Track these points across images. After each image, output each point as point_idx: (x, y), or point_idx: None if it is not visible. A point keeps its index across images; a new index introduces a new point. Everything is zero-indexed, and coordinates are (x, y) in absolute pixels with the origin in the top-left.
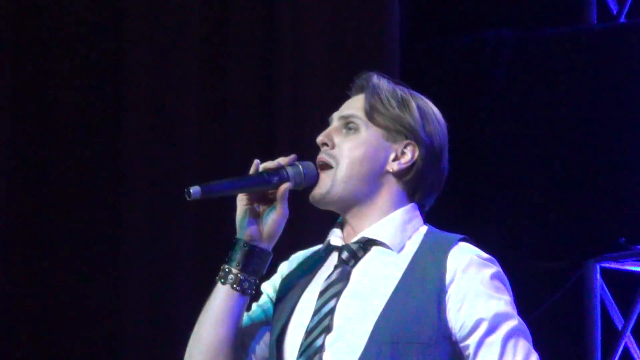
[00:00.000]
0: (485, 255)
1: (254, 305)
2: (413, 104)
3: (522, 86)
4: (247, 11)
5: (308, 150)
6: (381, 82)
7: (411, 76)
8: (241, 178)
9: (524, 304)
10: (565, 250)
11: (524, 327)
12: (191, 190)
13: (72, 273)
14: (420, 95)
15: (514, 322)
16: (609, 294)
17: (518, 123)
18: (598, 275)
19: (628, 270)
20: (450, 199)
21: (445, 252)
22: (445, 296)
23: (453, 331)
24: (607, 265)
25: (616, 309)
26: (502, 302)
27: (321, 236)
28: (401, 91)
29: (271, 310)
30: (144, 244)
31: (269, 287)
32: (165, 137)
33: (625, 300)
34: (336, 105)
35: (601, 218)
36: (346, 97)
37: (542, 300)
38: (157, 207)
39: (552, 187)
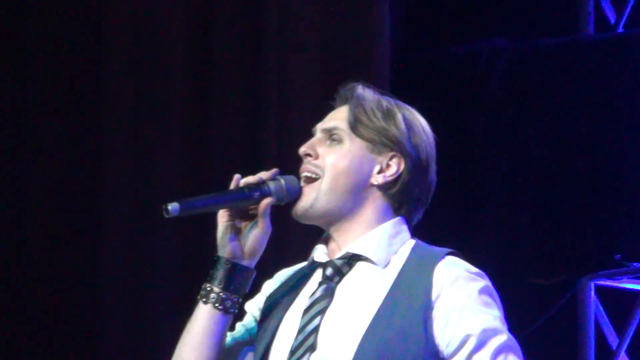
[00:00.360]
0: (473, 269)
1: (238, 325)
2: (399, 115)
3: (517, 97)
4: (233, 22)
5: (295, 164)
6: (366, 93)
7: (403, 87)
8: (221, 194)
9: (517, 321)
10: (560, 267)
11: (514, 342)
12: (169, 207)
13: (51, 281)
14: (406, 106)
15: (503, 337)
16: (603, 312)
17: (513, 135)
18: (592, 293)
19: (623, 288)
20: (443, 214)
21: (432, 267)
22: (431, 312)
23: (440, 348)
24: (601, 282)
25: (611, 327)
26: (490, 316)
27: (306, 252)
28: (387, 102)
29: (255, 330)
30: (124, 255)
31: (254, 307)
32: (148, 147)
33: (620, 319)
34: (322, 118)
35: (596, 234)
36: (331, 108)
37: (535, 317)
38: (138, 217)
39: (547, 202)
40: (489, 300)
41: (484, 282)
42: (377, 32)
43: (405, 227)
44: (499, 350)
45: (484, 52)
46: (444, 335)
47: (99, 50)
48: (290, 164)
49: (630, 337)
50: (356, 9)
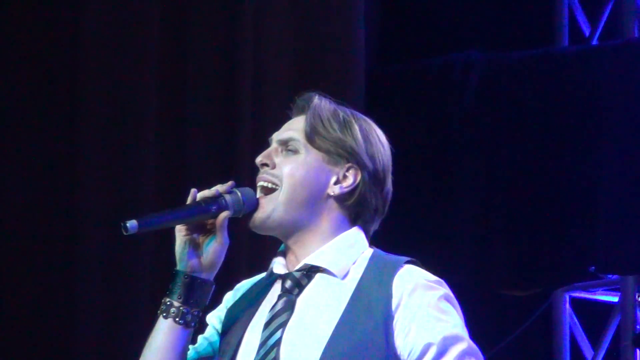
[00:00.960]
0: (432, 277)
1: (200, 338)
2: (355, 126)
3: (491, 109)
4: (208, 31)
5: None
6: (323, 103)
7: (378, 99)
8: (179, 209)
9: (492, 333)
10: (534, 279)
11: (475, 349)
12: (128, 225)
13: (26, 288)
14: (363, 117)
15: (464, 344)
16: (578, 324)
17: (487, 146)
18: (567, 305)
19: (598, 299)
20: (418, 225)
21: (391, 276)
22: (392, 322)
23: (402, 358)
24: (576, 294)
25: (585, 339)
26: (450, 324)
27: (264, 263)
28: (343, 112)
29: (217, 343)
30: (99, 262)
31: (215, 319)
32: (123, 156)
33: (595, 331)
34: (281, 127)
35: (571, 246)
36: (288, 118)
37: (510, 329)
38: (113, 223)
39: (522, 214)
40: (449, 307)
41: (442, 290)
42: (352, 44)
43: (362, 236)
44: (459, 357)
45: (458, 64)
46: (405, 345)
47: (75, 55)
48: None
49: (605, 349)
50: (331, 21)
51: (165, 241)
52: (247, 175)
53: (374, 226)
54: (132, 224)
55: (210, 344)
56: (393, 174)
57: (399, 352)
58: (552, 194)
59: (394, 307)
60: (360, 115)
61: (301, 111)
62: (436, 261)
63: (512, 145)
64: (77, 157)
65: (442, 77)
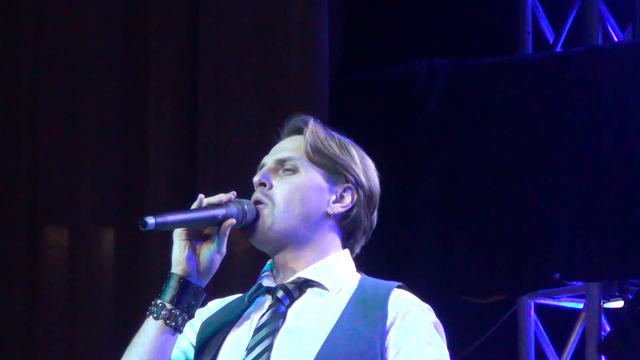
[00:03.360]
0: (424, 303)
1: (175, 348)
2: (352, 149)
3: (455, 116)
4: (170, 43)
5: (229, 187)
6: (318, 125)
7: (342, 106)
8: (191, 211)
9: (456, 340)
10: (499, 286)
11: None
12: (147, 221)
13: None
14: (353, 143)
15: None
16: (543, 330)
17: (450, 153)
18: (532, 312)
19: (562, 306)
20: (381, 232)
21: (386, 296)
22: (386, 338)
23: None
24: (541, 301)
25: (550, 345)
26: (438, 351)
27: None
28: (337, 136)
29: (192, 354)
30: (62, 268)
31: (189, 331)
32: (85, 160)
33: (560, 337)
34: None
35: (535, 253)
36: (271, 137)
37: (475, 336)
38: (78, 230)
39: (485, 221)
40: (438, 335)
41: (434, 317)
42: (316, 51)
43: (351, 260)
44: None
45: (422, 71)
46: None
47: (35, 60)
48: (225, 185)
49: (570, 355)
50: (295, 28)
51: (126, 245)
52: (210, 186)
53: (358, 249)
54: (150, 220)
55: (184, 353)
56: None
57: None
58: (515, 200)
59: (388, 324)
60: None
61: (296, 131)
62: (399, 268)
63: (475, 152)
64: (38, 161)
65: (406, 84)
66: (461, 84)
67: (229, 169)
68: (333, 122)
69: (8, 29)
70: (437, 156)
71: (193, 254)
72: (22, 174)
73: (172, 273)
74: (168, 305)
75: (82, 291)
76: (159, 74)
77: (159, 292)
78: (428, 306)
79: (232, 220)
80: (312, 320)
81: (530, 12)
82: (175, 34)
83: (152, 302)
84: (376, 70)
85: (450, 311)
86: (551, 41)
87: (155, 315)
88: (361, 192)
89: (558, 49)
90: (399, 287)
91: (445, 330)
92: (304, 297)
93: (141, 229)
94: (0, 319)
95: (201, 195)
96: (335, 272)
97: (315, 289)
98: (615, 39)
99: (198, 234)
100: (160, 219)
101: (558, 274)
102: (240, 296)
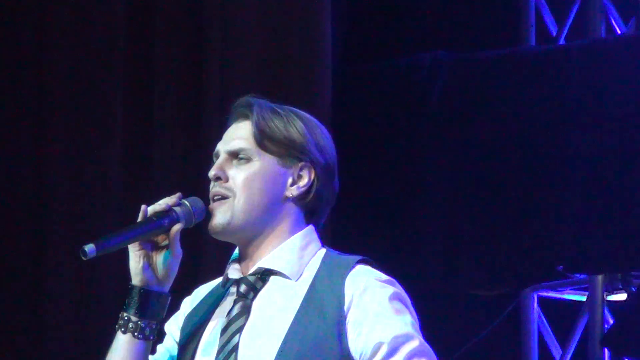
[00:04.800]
0: (383, 276)
1: (159, 347)
2: (299, 123)
3: (458, 109)
4: (174, 31)
5: None
6: (263, 106)
7: (346, 98)
8: (133, 227)
9: (461, 332)
10: (502, 279)
11: (427, 347)
12: (86, 250)
13: None
14: (298, 110)
15: (415, 343)
16: (546, 323)
17: (454, 146)
18: (535, 304)
19: (565, 299)
20: (386, 223)
21: (343, 277)
22: (344, 322)
23: (355, 358)
24: (544, 293)
25: (553, 338)
26: (401, 323)
27: (220, 265)
28: (282, 110)
29: (176, 351)
30: (67, 275)
31: (173, 327)
32: (89, 166)
33: (563, 330)
34: (224, 135)
35: (538, 246)
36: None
37: (478, 329)
38: (79, 235)
39: (489, 214)
40: (400, 306)
41: (394, 288)
42: (320, 43)
43: (315, 237)
44: (410, 356)
45: (425, 64)
46: (357, 345)
47: (39, 56)
48: None
49: (573, 348)
50: (298, 21)
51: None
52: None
53: (324, 217)
54: (90, 248)
55: (169, 351)
56: (359, 174)
57: (351, 352)
58: (519, 193)
59: (345, 307)
60: (296, 109)
61: (243, 117)
62: (404, 262)
63: (479, 145)
64: (42, 166)
65: (410, 77)
66: (464, 76)
67: None
68: (336, 114)
69: (12, 30)
70: (440, 149)
71: (149, 262)
72: (26, 173)
73: (133, 285)
74: (133, 318)
75: (87, 291)
76: (164, 74)
77: (122, 305)
78: (388, 278)
79: (180, 225)
80: (274, 315)
81: (533, 5)
82: (179, 30)
83: (119, 316)
84: (379, 63)
85: (454, 304)
86: (554, 34)
87: (123, 330)
88: (317, 168)
89: (561, 41)
90: (359, 262)
91: (448, 323)
92: (267, 287)
93: (83, 258)
94: (2, 320)
95: (144, 206)
96: (294, 256)
97: (277, 277)
98: (619, 32)
99: (152, 241)
100: (100, 245)
101: (561, 267)
102: (218, 284)
